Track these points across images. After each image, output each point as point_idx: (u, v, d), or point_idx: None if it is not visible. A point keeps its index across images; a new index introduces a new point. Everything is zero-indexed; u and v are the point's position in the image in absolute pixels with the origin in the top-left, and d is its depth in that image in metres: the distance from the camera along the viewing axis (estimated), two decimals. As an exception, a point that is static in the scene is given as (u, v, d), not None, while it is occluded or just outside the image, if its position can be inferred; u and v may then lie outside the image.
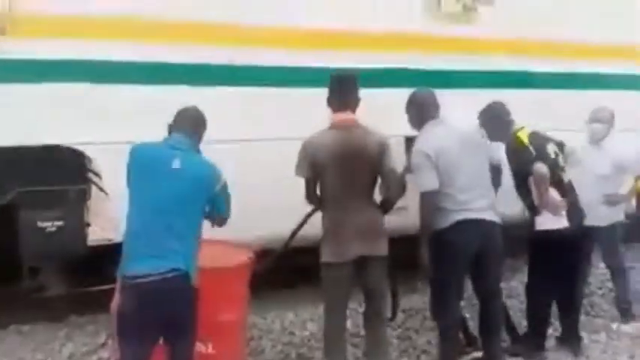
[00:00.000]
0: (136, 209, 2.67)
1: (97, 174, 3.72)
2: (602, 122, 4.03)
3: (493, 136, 3.62)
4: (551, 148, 3.67)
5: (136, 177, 2.70)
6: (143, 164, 2.70)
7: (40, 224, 3.50)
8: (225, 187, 2.79)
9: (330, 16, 4.01)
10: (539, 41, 4.60)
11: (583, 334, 3.91)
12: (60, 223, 3.55)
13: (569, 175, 3.71)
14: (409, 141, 3.76)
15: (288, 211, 3.41)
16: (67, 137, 3.47)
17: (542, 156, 3.61)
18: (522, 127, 3.71)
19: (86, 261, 3.81)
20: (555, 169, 3.63)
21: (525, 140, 3.63)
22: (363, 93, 3.24)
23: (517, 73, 4.56)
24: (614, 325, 4.15)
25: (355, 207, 3.13)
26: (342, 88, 3.20)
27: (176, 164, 2.67)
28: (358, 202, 3.14)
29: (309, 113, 3.39)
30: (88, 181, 3.80)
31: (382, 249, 3.19)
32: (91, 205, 3.91)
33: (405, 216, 3.49)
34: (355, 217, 3.11)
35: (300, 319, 4.10)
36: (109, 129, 3.48)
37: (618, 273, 4.33)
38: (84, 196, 3.77)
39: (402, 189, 3.29)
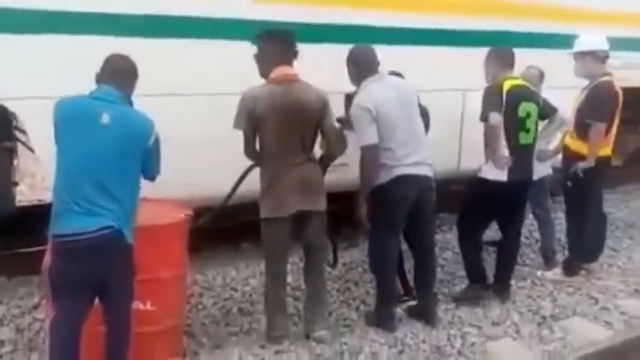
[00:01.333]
0: (63, 166, 2.56)
1: (23, 131, 3.53)
2: (531, 81, 4.16)
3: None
4: (525, 107, 3.73)
5: (62, 133, 2.57)
6: (69, 119, 2.57)
7: (-39, 184, 3.33)
8: (157, 141, 2.69)
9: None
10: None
11: (512, 281, 4.14)
12: None
13: (531, 138, 3.80)
14: (348, 98, 3.76)
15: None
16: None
17: (509, 110, 3.67)
18: (515, 78, 3.80)
19: (15, 221, 3.67)
20: (516, 127, 3.71)
21: (503, 89, 3.70)
22: (303, 48, 3.19)
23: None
24: (539, 273, 4.42)
25: (294, 162, 3.13)
26: (281, 42, 3.14)
27: (105, 119, 2.56)
28: (297, 157, 3.14)
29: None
30: (14, 138, 3.60)
31: (321, 204, 3.22)
32: (18, 165, 3.74)
33: (346, 172, 3.52)
34: (294, 172, 3.12)
35: (242, 276, 4.12)
36: (34, 83, 3.28)
37: (545, 223, 4.60)
38: (10, 154, 3.59)
39: (342, 145, 3.31)
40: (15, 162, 3.68)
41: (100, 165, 2.54)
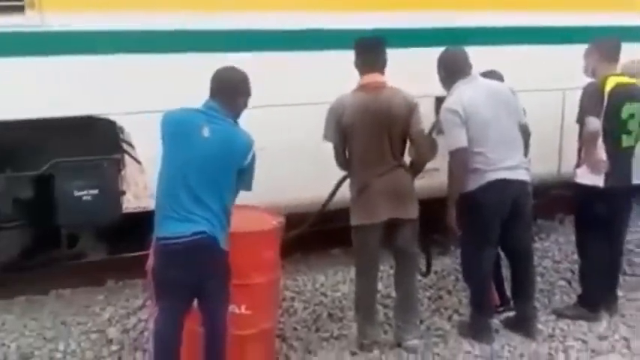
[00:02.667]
0: (165, 175, 2.70)
1: (130, 144, 3.78)
2: (634, 76, 3.83)
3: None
4: (629, 109, 3.44)
5: (166, 143, 2.70)
6: (173, 130, 2.70)
7: (76, 193, 3.59)
8: (253, 159, 2.74)
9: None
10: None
11: (620, 292, 3.85)
12: (95, 191, 3.63)
13: (633, 140, 3.50)
14: (440, 101, 3.67)
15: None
16: (99, 108, 3.51)
17: (611, 112, 3.41)
18: (619, 74, 3.53)
19: (122, 228, 3.91)
20: (619, 130, 3.46)
21: (605, 88, 3.44)
22: (393, 54, 3.18)
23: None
24: None
25: (384, 169, 3.11)
26: (369, 50, 3.15)
27: (206, 132, 2.65)
28: (387, 165, 3.12)
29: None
30: (122, 150, 3.87)
31: (411, 212, 3.17)
32: (125, 175, 4.00)
33: (438, 177, 3.45)
34: (384, 179, 3.10)
35: (332, 282, 4.14)
36: (139, 99, 3.50)
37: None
38: (118, 165, 3.84)
39: (431, 150, 3.25)
40: (122, 172, 3.95)
41: (197, 176, 2.65)
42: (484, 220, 3.25)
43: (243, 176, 2.75)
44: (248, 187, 2.81)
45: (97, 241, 4.12)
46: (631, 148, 3.56)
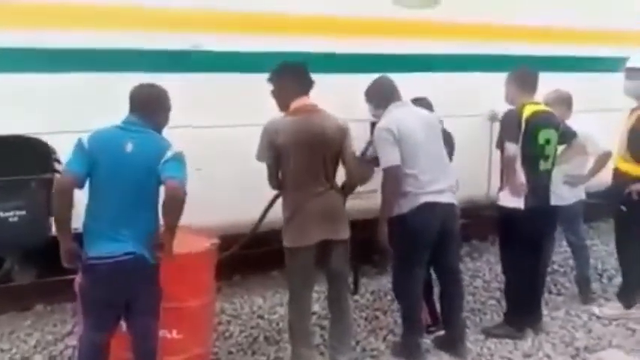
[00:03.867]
0: (92, 195, 2.69)
1: (60, 163, 3.67)
2: (559, 104, 4.10)
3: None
4: (545, 134, 3.66)
5: (94, 164, 2.67)
6: (99, 150, 2.68)
7: (1, 214, 3.46)
8: (174, 158, 2.68)
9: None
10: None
11: (544, 311, 4.03)
12: (22, 212, 3.52)
13: (550, 164, 3.72)
14: (373, 126, 3.79)
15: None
16: (29, 127, 3.41)
17: (528, 138, 3.61)
18: (535, 103, 3.73)
19: (51, 250, 3.78)
20: (536, 154, 3.65)
21: (524, 115, 3.64)
22: (330, 78, 3.26)
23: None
24: (596, 310, 4.15)
25: (316, 191, 3.16)
26: (297, 73, 3.22)
27: (129, 148, 2.66)
28: (320, 187, 3.17)
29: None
30: (52, 170, 3.75)
31: (343, 233, 3.23)
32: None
33: (376, 199, 3.52)
34: (316, 201, 3.15)
35: (270, 304, 4.13)
36: (68, 118, 3.42)
37: (579, 251, 4.45)
38: (47, 186, 3.71)
39: (363, 173, 3.34)
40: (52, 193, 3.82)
41: (123, 193, 2.64)
42: (415, 242, 3.36)
43: (169, 167, 2.63)
44: (178, 175, 2.64)
45: (24, 263, 3.97)
46: (548, 172, 3.78)
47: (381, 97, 3.49)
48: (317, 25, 3.97)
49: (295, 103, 3.19)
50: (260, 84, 3.32)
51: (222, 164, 3.71)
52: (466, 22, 4.46)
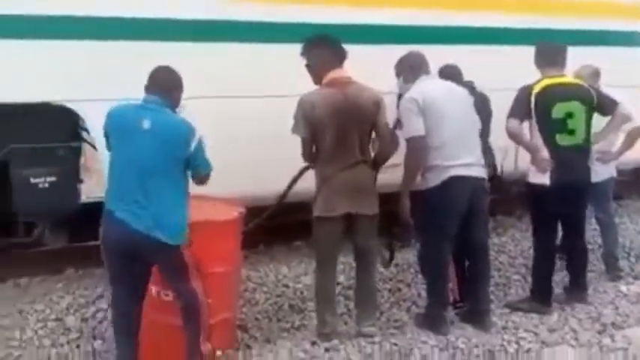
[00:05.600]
0: (112, 168, 2.77)
1: (88, 131, 3.72)
2: (586, 80, 3.98)
3: None
4: (563, 108, 3.57)
5: (112, 139, 2.80)
6: (117, 127, 2.79)
7: (32, 180, 3.53)
8: (200, 143, 2.79)
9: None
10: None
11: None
12: (52, 179, 3.58)
13: (578, 138, 3.62)
14: (400, 98, 3.76)
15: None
16: (58, 94, 3.45)
17: (540, 112, 3.55)
18: (554, 77, 3.64)
19: (83, 216, 3.86)
20: (552, 129, 3.58)
21: (534, 90, 3.57)
22: (360, 50, 3.24)
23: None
24: (624, 288, 4.12)
25: (347, 164, 3.15)
26: (332, 45, 3.17)
27: (146, 124, 2.71)
28: (352, 159, 3.16)
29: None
30: (81, 138, 3.80)
31: (370, 207, 3.22)
32: (85, 163, 3.94)
33: (401, 172, 3.47)
34: (346, 174, 3.14)
35: (294, 273, 4.17)
36: (98, 86, 3.44)
37: (608, 228, 4.39)
38: (76, 153, 3.79)
39: (394, 144, 3.29)
40: (81, 160, 3.88)
41: (142, 169, 2.70)
42: (442, 217, 3.32)
43: (194, 163, 2.79)
44: (203, 172, 2.84)
45: (55, 229, 4.05)
46: (575, 147, 3.66)
47: (410, 71, 3.45)
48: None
49: (329, 76, 3.15)
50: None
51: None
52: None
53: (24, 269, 3.98)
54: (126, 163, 2.73)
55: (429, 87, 3.35)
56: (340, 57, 3.19)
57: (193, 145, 2.75)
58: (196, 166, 2.81)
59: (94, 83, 3.46)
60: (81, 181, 3.83)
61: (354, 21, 3.91)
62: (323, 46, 3.19)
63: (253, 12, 3.77)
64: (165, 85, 2.82)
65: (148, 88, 2.84)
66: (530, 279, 4.03)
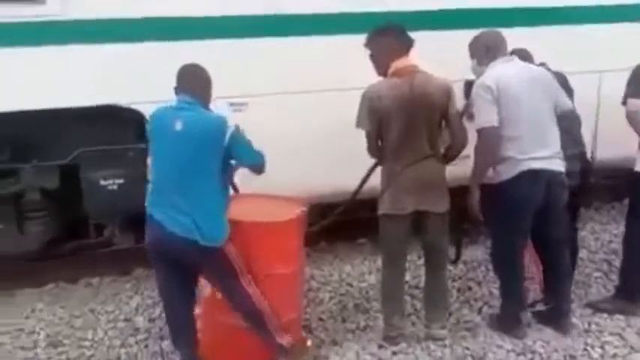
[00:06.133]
0: (152, 171, 2.80)
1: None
2: None
3: None
4: None
5: (152, 142, 2.83)
6: (154, 131, 2.81)
7: (101, 182, 3.60)
8: (237, 132, 2.74)
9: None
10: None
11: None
12: (120, 181, 3.64)
13: None
14: (469, 85, 3.56)
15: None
16: (123, 97, 3.50)
17: None
18: None
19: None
20: None
21: None
22: (421, 37, 3.08)
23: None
24: None
25: (416, 158, 3.00)
26: (396, 34, 3.03)
27: (178, 126, 2.71)
28: (420, 154, 3.01)
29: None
30: (146, 139, 3.84)
31: (440, 205, 3.07)
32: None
33: (469, 165, 3.31)
34: (413, 169, 2.99)
35: (358, 271, 4.07)
36: (161, 87, 3.44)
37: None
38: (143, 154, 3.81)
39: (466, 135, 3.11)
40: (148, 161, 3.93)
41: (179, 171, 2.70)
42: (516, 212, 3.11)
43: (235, 154, 2.74)
44: (253, 159, 2.81)
45: (124, 229, 4.13)
46: None
47: (485, 52, 3.20)
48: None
49: (395, 65, 3.01)
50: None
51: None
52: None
53: (95, 270, 4.09)
54: (163, 166, 2.75)
55: (506, 72, 3.10)
56: (407, 45, 3.03)
57: (227, 136, 2.70)
58: (239, 157, 2.77)
59: (158, 85, 3.43)
60: (147, 182, 3.89)
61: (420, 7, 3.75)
62: (388, 34, 3.04)
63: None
64: (194, 83, 2.81)
65: (178, 89, 2.83)
66: (612, 276, 3.75)
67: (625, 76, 3.38)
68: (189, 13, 3.50)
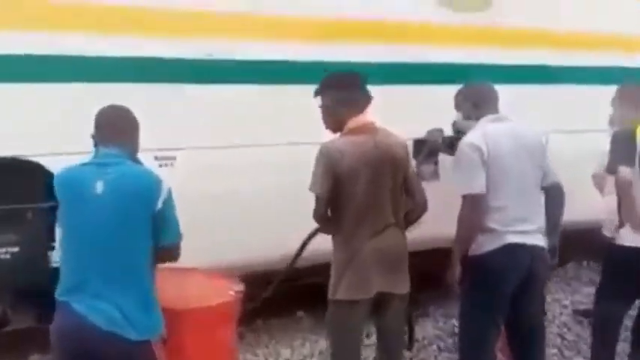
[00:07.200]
0: (64, 250, 2.20)
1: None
2: None
3: None
4: None
5: (62, 209, 2.22)
6: (63, 195, 2.21)
7: (-10, 251, 3.02)
8: (169, 201, 2.17)
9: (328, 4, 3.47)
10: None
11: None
12: (15, 249, 3.07)
13: None
14: (418, 144, 3.39)
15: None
16: (22, 148, 2.95)
17: None
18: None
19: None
20: None
21: (637, 135, 3.06)
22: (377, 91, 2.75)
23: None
24: None
25: (378, 229, 2.59)
26: (354, 87, 2.68)
27: (99, 188, 2.13)
28: (383, 223, 2.60)
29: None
30: (51, 198, 3.28)
31: (405, 285, 2.67)
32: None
33: (420, 228, 2.94)
34: (377, 242, 2.57)
35: (298, 356, 3.59)
36: (68, 138, 2.94)
37: None
38: (45, 215, 3.26)
39: (426, 198, 2.75)
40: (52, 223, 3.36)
41: (99, 247, 2.12)
42: (492, 289, 2.74)
43: (163, 225, 2.17)
44: (173, 238, 2.23)
45: (19, 308, 3.47)
46: None
47: (475, 104, 2.90)
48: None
49: (353, 121, 2.63)
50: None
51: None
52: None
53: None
54: (78, 242, 2.14)
55: (497, 131, 2.79)
56: (366, 101, 2.67)
57: (161, 199, 2.14)
58: (164, 230, 2.17)
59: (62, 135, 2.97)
60: (52, 248, 3.23)
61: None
62: (348, 87, 2.67)
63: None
64: (119, 131, 2.26)
65: (98, 138, 2.26)
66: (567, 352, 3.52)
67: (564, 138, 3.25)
68: (106, 52, 3.02)
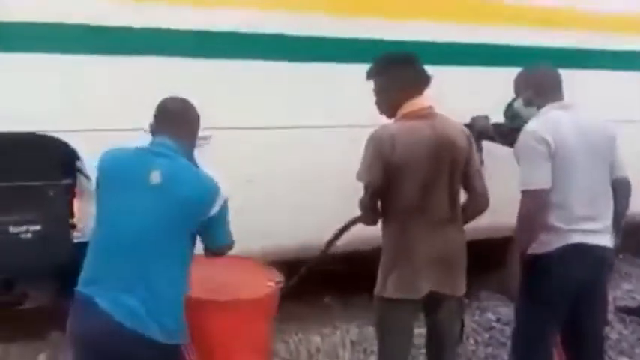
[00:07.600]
0: (98, 233, 2.02)
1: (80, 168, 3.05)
2: None
3: None
4: None
5: (104, 191, 2.05)
6: (113, 176, 2.05)
7: (11, 229, 2.89)
8: (224, 209, 2.07)
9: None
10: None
11: None
12: (36, 227, 2.93)
13: None
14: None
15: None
16: (44, 124, 2.79)
17: None
18: None
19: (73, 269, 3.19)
20: None
21: None
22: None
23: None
24: None
25: (434, 224, 2.37)
26: (410, 67, 2.43)
27: (155, 178, 1.98)
28: (440, 217, 2.38)
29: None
30: (74, 175, 3.12)
31: (461, 287, 2.45)
32: (79, 204, 3.25)
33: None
34: (432, 239, 2.36)
35: (329, 344, 3.41)
36: (92, 115, 2.80)
37: None
38: (67, 193, 3.11)
39: (487, 193, 2.51)
40: (75, 201, 3.20)
41: (144, 240, 1.97)
42: (555, 292, 2.51)
43: (213, 231, 2.09)
44: (222, 243, 2.14)
45: (39, 286, 3.35)
46: None
47: (535, 92, 2.64)
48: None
49: (408, 105, 2.39)
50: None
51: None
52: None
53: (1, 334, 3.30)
54: (117, 227, 1.98)
55: (562, 120, 2.53)
56: (425, 82, 2.44)
57: (216, 207, 2.04)
58: (216, 235, 2.10)
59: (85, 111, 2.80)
60: (73, 227, 3.12)
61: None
62: (406, 67, 2.43)
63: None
64: (178, 122, 2.13)
65: (157, 127, 2.12)
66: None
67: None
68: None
